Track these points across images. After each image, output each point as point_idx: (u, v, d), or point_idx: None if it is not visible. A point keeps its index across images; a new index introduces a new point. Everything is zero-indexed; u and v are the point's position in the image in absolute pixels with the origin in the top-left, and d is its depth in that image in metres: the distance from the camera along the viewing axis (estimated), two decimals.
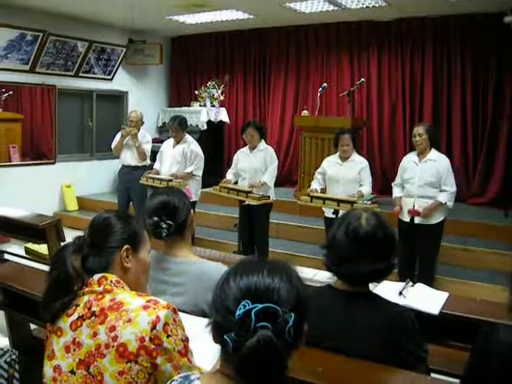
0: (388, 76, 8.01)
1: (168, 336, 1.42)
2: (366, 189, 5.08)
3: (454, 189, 4.71)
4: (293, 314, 1.05)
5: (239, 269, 1.16)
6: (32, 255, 4.54)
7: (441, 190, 4.70)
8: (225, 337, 1.05)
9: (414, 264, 4.86)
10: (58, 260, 1.57)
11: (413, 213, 4.74)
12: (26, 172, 7.70)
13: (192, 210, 2.31)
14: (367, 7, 7.03)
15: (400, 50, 7.89)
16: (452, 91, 7.51)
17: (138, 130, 6.48)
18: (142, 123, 6.62)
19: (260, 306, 1.04)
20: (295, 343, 1.08)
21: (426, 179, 4.72)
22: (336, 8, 7.10)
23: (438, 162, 4.73)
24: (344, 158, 5.23)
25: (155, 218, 2.16)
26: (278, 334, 1.02)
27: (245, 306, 1.04)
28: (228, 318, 1.06)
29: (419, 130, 4.80)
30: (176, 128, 5.98)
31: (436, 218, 4.77)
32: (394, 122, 7.97)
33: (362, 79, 7.10)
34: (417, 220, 4.75)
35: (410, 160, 4.92)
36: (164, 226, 2.15)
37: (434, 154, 4.78)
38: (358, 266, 1.79)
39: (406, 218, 4.81)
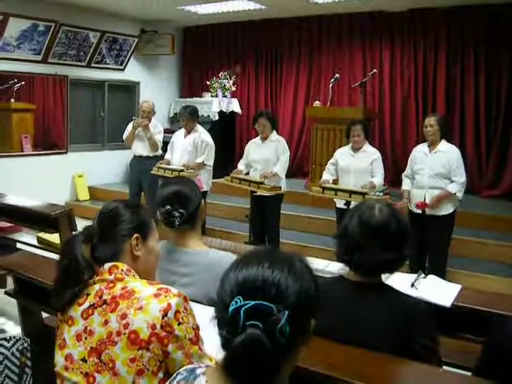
0: (400, 67, 7.93)
1: (179, 324, 1.42)
2: (378, 180, 5.04)
3: (463, 179, 4.67)
4: (287, 312, 0.99)
5: (242, 259, 1.12)
6: (44, 244, 4.55)
7: (451, 181, 4.68)
8: (217, 333, 1.03)
9: (425, 256, 4.83)
10: (67, 249, 1.57)
11: (421, 206, 4.72)
12: (38, 162, 7.75)
13: (203, 200, 2.30)
14: None
15: (413, 41, 7.80)
16: (465, 82, 7.42)
17: (150, 121, 6.48)
18: (154, 113, 6.63)
19: (252, 303, 0.99)
20: (292, 342, 1.01)
21: (436, 170, 4.69)
22: None
23: (448, 153, 4.71)
24: (356, 149, 5.20)
25: (168, 207, 2.15)
26: (269, 334, 0.97)
27: (236, 303, 1.00)
28: (224, 313, 1.02)
29: (431, 120, 4.76)
30: (187, 117, 5.98)
31: (446, 210, 4.73)
32: (407, 113, 7.90)
33: (374, 70, 7.06)
34: (427, 211, 4.72)
35: (420, 151, 4.90)
36: (177, 214, 2.14)
37: (444, 145, 4.75)
38: (369, 257, 1.77)
39: (417, 210, 4.79)
